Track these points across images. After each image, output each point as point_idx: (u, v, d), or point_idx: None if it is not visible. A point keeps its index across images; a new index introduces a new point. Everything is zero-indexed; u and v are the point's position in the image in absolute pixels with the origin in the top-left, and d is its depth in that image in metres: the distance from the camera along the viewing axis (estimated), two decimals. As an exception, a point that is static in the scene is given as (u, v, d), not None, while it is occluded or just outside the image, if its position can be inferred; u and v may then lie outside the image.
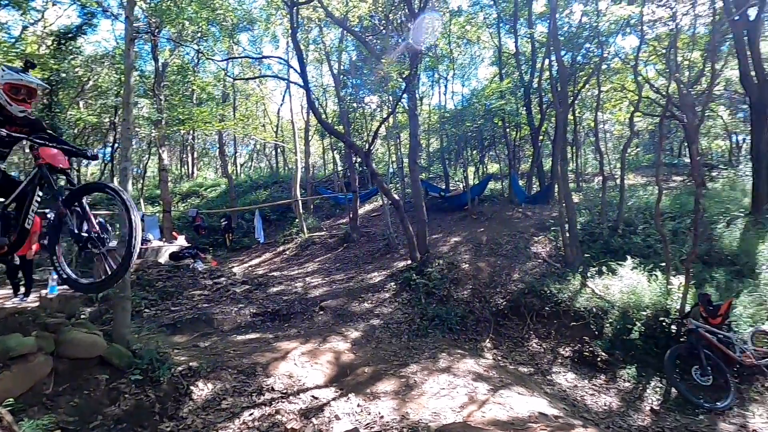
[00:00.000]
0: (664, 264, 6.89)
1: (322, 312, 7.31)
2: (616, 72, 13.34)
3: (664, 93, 12.03)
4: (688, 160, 16.01)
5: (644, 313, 6.13)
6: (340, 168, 17.74)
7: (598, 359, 5.91)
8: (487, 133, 13.95)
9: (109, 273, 2.72)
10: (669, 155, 20.54)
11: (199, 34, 11.13)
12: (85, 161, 15.67)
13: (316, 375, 4.99)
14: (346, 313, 7.28)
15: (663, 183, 13.96)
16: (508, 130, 14.30)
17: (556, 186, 10.30)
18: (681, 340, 5.58)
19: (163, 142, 13.05)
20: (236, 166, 27.72)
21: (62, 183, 2.93)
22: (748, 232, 8.06)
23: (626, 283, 6.83)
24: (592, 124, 17.96)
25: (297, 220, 14.04)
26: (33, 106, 2.98)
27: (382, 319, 7.04)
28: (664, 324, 5.82)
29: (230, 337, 6.24)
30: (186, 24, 9.32)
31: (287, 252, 12.89)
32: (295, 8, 8.56)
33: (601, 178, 14.26)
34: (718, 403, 4.85)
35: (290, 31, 8.79)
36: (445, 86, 18.44)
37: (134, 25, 5.46)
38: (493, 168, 17.41)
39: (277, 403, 4.31)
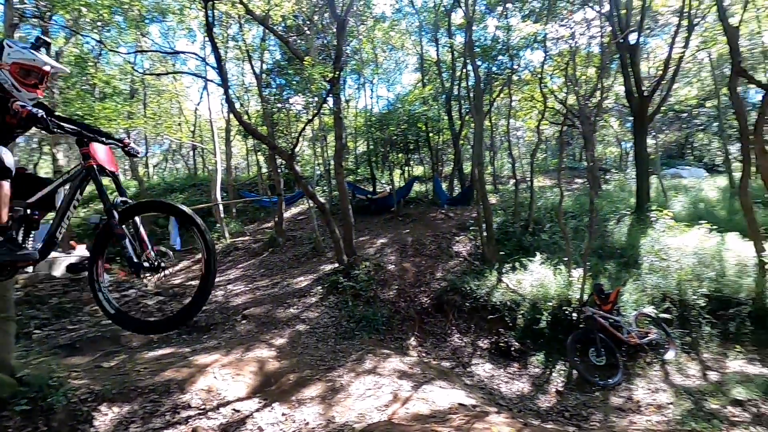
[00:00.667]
0: (567, 258, 7.66)
1: (245, 320, 7.02)
2: (526, 83, 14.54)
3: (565, 104, 13.35)
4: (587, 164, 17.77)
5: (550, 303, 6.76)
6: (264, 170, 17.17)
7: (512, 349, 6.39)
8: (411, 137, 14.37)
9: (180, 310, 2.37)
10: (572, 160, 22.83)
11: (99, 23, 10.07)
12: None
13: (238, 387, 4.79)
14: (271, 320, 7.07)
15: (566, 185, 15.49)
16: (431, 134, 14.89)
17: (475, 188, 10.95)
18: (580, 326, 6.21)
19: (58, 141, 11.60)
20: (148, 168, 25.53)
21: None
22: (633, 227, 9.24)
23: (536, 277, 7.47)
24: (505, 130, 19.39)
25: (218, 225, 13.32)
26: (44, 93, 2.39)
27: (309, 324, 6.95)
28: (566, 312, 6.45)
29: (140, 354, 5.75)
30: (83, 10, 8.37)
31: (207, 259, 12.16)
32: (211, 2, 8.12)
33: (512, 179, 15.43)
34: (610, 380, 5.49)
35: (206, 26, 8.33)
36: (372, 90, 18.70)
37: (17, 7, 4.82)
38: (418, 171, 17.99)
39: (195, 420, 4.06)
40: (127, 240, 2.21)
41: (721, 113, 14.95)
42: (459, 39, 14.74)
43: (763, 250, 7.15)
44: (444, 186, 14.81)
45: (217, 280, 9.98)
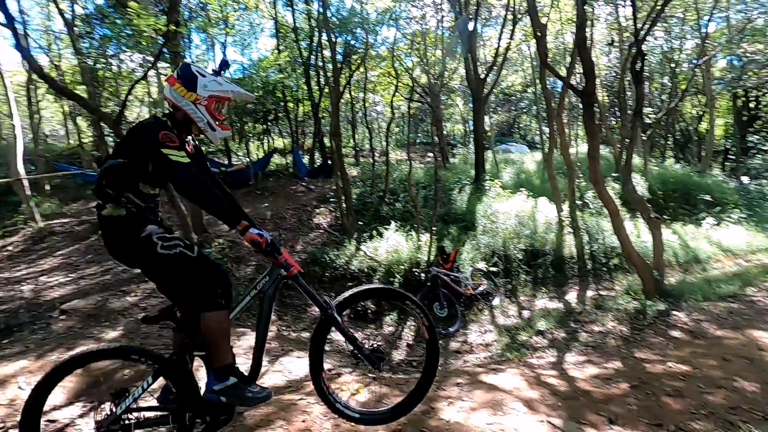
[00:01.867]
0: (417, 225, 8.35)
1: (64, 316, 5.88)
2: (383, 59, 15.03)
3: (417, 82, 14.22)
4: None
5: (403, 267, 7.31)
6: (88, 139, 14.36)
7: (369, 311, 6.76)
8: (270, 106, 13.63)
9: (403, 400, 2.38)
10: (426, 135, 24.76)
11: None
12: None
13: (55, 394, 4.00)
14: (101, 312, 6.07)
15: (419, 159, 16.75)
16: (290, 104, 14.36)
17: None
18: (427, 284, 6.88)
19: None
20: None
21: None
22: (471, 196, 10.51)
23: (390, 244, 7.97)
24: (366, 104, 19.88)
25: (23, 206, 10.76)
26: None
27: (152, 311, 6.18)
28: (416, 273, 7.05)
29: None
30: None
31: (11, 248, 9.78)
32: None
33: (374, 152, 16.02)
34: (451, 329, 6.24)
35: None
36: (223, 52, 17.01)
37: None
38: (278, 143, 17.30)
39: (-11, 442, 3.27)
40: (347, 333, 2.23)
41: (537, 98, 17.79)
42: (317, 6, 14.34)
43: (561, 210, 8.90)
44: (306, 159, 14.57)
45: (24, 272, 8.16)
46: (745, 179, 15.58)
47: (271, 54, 14.81)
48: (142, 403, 1.95)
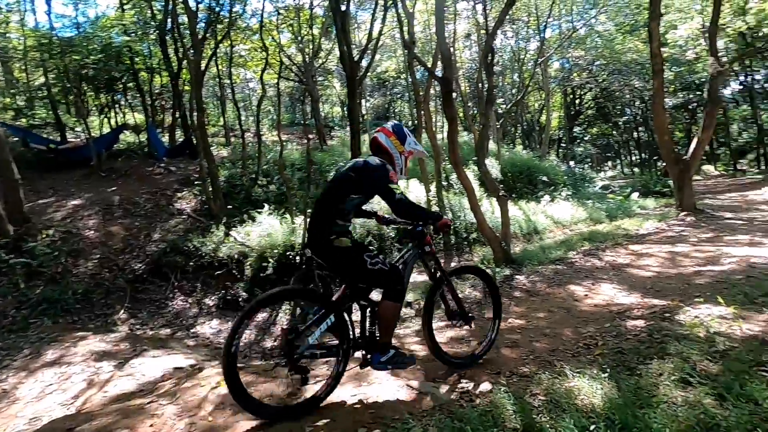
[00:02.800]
0: (291, 208, 8.12)
1: None
2: (255, 33, 14.04)
3: (292, 59, 13.67)
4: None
5: (276, 251, 7.05)
6: None
7: (240, 300, 6.40)
8: (116, 73, 11.64)
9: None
10: (305, 116, 24.18)
11: None
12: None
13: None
14: None
15: (297, 140, 16.30)
16: (143, 74, 12.52)
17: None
18: (302, 266, 6.76)
19: None
20: None
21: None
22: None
23: (263, 228, 7.61)
24: (237, 80, 18.48)
25: None
26: None
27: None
28: (290, 257, 6.88)
29: None
30: None
31: None
32: None
33: (249, 133, 15.06)
34: (326, 309, 6.26)
35: None
36: (48, 4, 13.97)
37: None
38: (131, 118, 15.03)
39: None
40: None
41: (410, 85, 18.69)
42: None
43: (429, 191, 9.56)
44: (165, 137, 12.97)
45: None
46: (572, 163, 18.83)
47: (114, 12, 12.65)
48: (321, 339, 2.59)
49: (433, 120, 14.18)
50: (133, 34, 11.34)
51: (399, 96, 24.96)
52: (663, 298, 4.30)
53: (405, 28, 8.92)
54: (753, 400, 2.17)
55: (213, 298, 6.51)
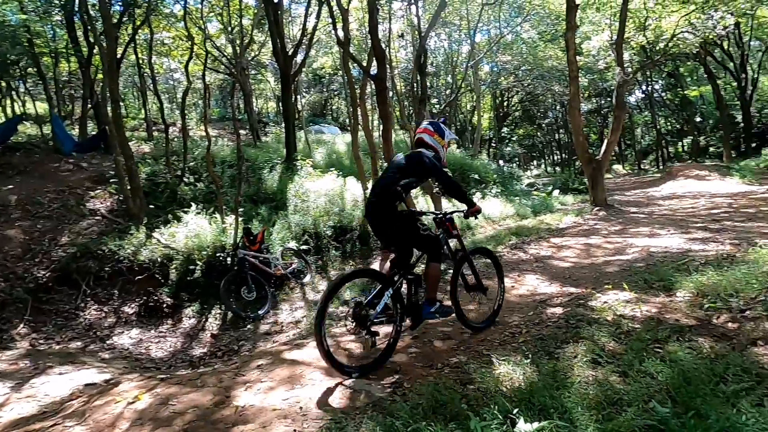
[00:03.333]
0: (221, 207, 7.71)
1: None
2: (179, 20, 13.12)
3: (222, 51, 12.98)
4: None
5: (205, 252, 6.66)
6: None
7: (164, 306, 5.96)
8: (11, 56, 10.25)
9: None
10: (238, 111, 23.11)
11: None
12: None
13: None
14: None
15: (229, 136, 15.53)
16: (46, 58, 11.17)
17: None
18: (234, 268, 6.46)
19: None
20: None
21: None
22: (283, 175, 10.32)
23: (191, 228, 7.14)
24: (161, 70, 17.19)
25: None
26: None
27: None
28: (220, 258, 6.53)
29: None
30: None
31: None
32: None
33: (173, 127, 14.06)
34: (260, 311, 6.04)
35: None
36: None
37: None
38: (32, 107, 13.36)
39: None
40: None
41: (346, 82, 18.60)
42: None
43: (367, 188, 9.58)
44: (75, 130, 11.71)
45: None
46: (501, 162, 19.89)
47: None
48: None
49: (370, 118, 14.24)
50: (32, 13, 10.07)
51: (336, 93, 24.77)
52: (578, 287, 4.68)
53: (339, 25, 8.84)
54: (650, 374, 2.43)
55: (132, 305, 5.99)
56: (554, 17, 18.40)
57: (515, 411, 2.23)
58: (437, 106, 19.03)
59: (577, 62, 9.79)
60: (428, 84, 20.72)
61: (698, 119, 23.36)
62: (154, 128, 14.04)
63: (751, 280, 3.36)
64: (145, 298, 6.03)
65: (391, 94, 20.08)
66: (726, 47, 17.75)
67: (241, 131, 18.47)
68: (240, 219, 7.13)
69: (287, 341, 4.70)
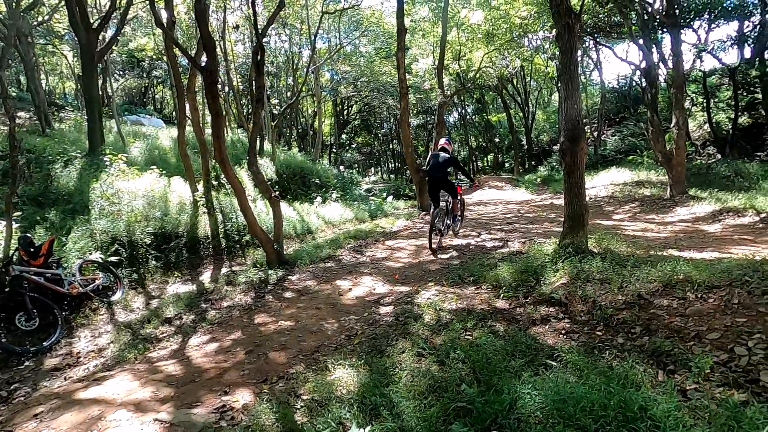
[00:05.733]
0: (-15, 209, 5.85)
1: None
2: None
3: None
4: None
5: (-43, 272, 4.95)
6: None
7: None
8: None
9: None
10: (17, 89, 18.11)
11: None
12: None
13: None
14: None
15: (2, 118, 12.04)
16: None
17: None
18: (6, 290, 4.98)
19: None
20: None
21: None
22: (85, 172, 8.49)
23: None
24: None
25: None
26: None
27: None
28: (-16, 276, 4.95)
29: None
30: None
31: None
32: None
33: None
34: (45, 343, 4.78)
35: None
36: None
37: None
38: None
39: None
40: None
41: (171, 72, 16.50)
42: None
43: (196, 190, 8.65)
44: None
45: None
46: (342, 168, 20.55)
47: None
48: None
49: (201, 113, 12.94)
50: None
51: (160, 80, 21.73)
52: (408, 285, 5.11)
53: (161, 4, 7.77)
54: (462, 359, 2.77)
55: None
56: (388, 36, 19.99)
57: (348, 416, 2.26)
58: (278, 108, 18.52)
59: (406, 80, 10.82)
60: (269, 84, 20.02)
61: (497, 140, 28.57)
62: None
63: (530, 271, 4.19)
64: None
65: (227, 89, 18.70)
66: (515, 84, 22.18)
67: (22, 113, 14.53)
68: (16, 226, 5.55)
69: (84, 376, 3.82)
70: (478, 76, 16.93)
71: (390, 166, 39.64)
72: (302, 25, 17.87)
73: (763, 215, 6.74)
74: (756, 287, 2.70)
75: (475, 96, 26.77)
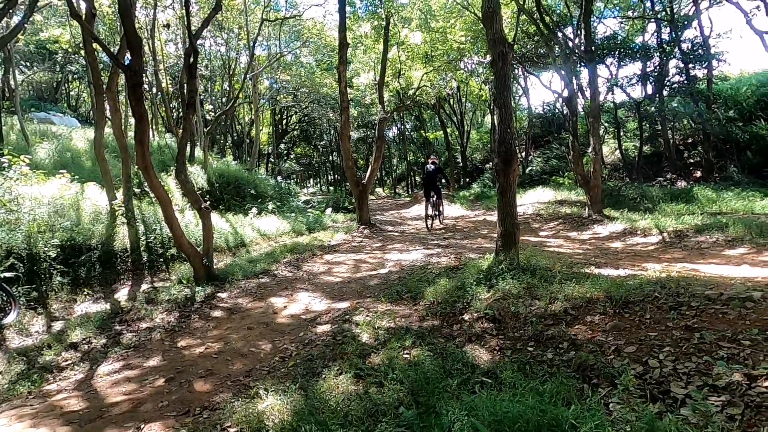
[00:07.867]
0: None
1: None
2: None
3: None
4: None
5: None
6: None
7: None
8: None
9: None
10: None
11: None
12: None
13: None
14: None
15: None
16: None
17: None
18: None
19: None
20: None
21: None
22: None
23: None
24: None
25: None
26: None
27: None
28: None
29: None
30: None
31: None
32: None
33: None
34: None
35: None
36: None
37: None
38: None
39: None
40: None
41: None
42: None
43: (114, 198, 7.88)
44: None
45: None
46: (279, 178, 19.97)
47: None
48: None
49: (123, 114, 11.93)
50: None
51: (77, 76, 19.73)
52: (346, 301, 4.99)
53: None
54: (400, 380, 2.72)
55: None
56: (330, 49, 19.98)
57: (279, 449, 2.10)
58: (212, 113, 17.60)
59: (347, 94, 10.82)
60: (203, 88, 19.02)
61: (434, 156, 29.67)
62: None
63: (466, 287, 4.27)
64: None
65: (155, 90, 17.45)
66: (452, 104, 23.19)
67: None
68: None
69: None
70: (417, 94, 17.45)
71: (329, 178, 39.32)
72: (241, 31, 17.29)
73: (664, 234, 7.56)
74: (664, 303, 2.97)
75: (414, 113, 27.55)
